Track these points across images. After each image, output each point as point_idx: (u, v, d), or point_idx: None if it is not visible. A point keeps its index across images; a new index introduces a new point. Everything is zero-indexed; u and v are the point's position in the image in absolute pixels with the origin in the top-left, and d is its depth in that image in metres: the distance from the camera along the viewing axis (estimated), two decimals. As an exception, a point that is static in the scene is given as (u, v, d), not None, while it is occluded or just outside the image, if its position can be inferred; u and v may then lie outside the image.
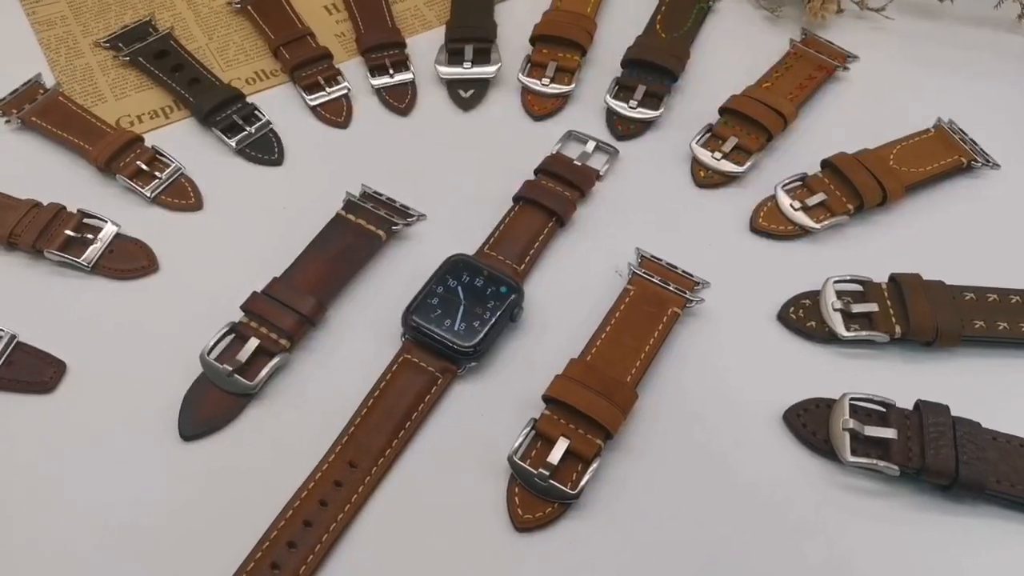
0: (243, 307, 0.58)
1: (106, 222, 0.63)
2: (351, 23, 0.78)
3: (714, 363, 0.59)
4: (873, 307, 0.60)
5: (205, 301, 0.60)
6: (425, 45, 0.77)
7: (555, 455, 0.53)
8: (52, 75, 0.74)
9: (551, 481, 0.52)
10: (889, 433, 0.54)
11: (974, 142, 0.69)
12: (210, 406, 0.56)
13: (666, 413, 0.57)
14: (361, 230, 0.63)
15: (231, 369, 0.56)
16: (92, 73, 0.74)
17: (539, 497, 0.52)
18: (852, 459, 0.53)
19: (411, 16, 0.80)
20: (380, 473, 0.53)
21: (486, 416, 0.57)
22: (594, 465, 0.53)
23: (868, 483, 0.54)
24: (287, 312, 0.58)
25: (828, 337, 0.60)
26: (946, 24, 0.81)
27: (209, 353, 0.57)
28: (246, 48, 0.77)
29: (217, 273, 0.62)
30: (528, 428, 0.54)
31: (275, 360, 0.56)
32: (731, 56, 0.77)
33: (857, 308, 0.60)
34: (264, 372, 0.56)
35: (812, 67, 0.74)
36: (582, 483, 0.52)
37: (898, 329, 0.59)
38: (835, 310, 0.60)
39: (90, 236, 0.62)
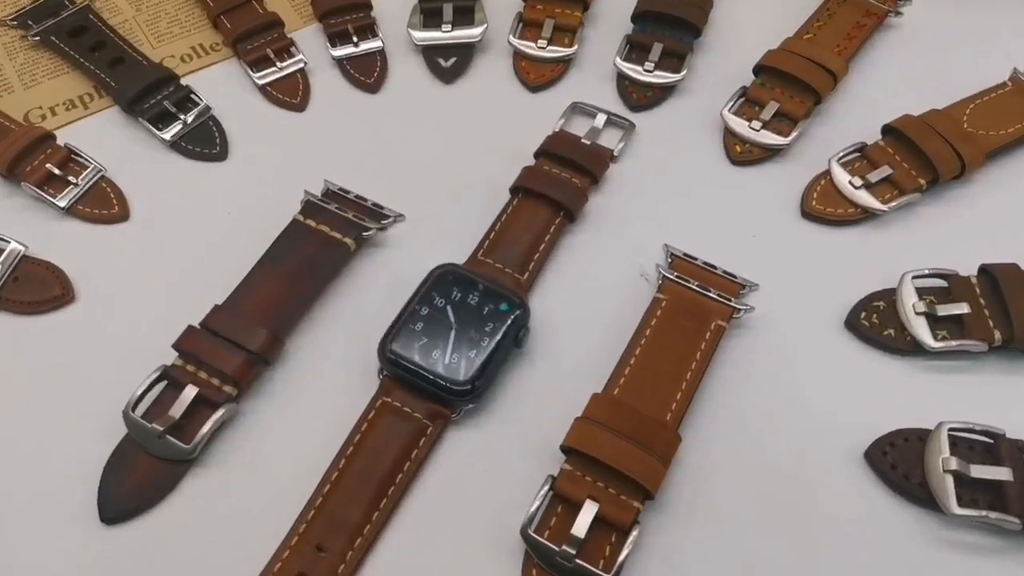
0: (176, 346, 0.46)
1: (8, 242, 0.50)
2: (305, -16, 0.65)
3: (771, 387, 0.47)
4: (963, 308, 0.47)
5: (133, 338, 0.48)
6: (396, 6, 0.63)
7: (581, 525, 0.41)
8: (-53, 62, 0.60)
9: (578, 561, 0.40)
10: (1002, 474, 0.42)
11: (1062, 95, 0.57)
12: (137, 477, 0.43)
13: (716, 456, 0.45)
14: (324, 239, 0.50)
15: (161, 429, 0.43)
16: (-4, 57, 0.61)
17: (563, 579, 0.40)
18: (960, 511, 0.41)
19: (377, -28, 0.66)
20: (357, 557, 0.41)
21: (490, 473, 0.44)
22: (633, 535, 0.40)
23: (978, 537, 0.42)
24: (231, 350, 0.45)
25: (911, 348, 0.47)
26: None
27: (134, 409, 0.44)
28: (181, 19, 0.63)
29: (148, 301, 0.49)
30: (545, 489, 0.42)
31: (219, 413, 0.44)
32: (762, 4, 0.64)
33: (944, 310, 0.47)
34: (205, 430, 0.43)
35: (859, 13, 0.61)
36: (619, 560, 0.40)
37: (997, 335, 0.46)
38: (917, 313, 0.47)
39: (-13, 257, 0.49)
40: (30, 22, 0.62)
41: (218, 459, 0.44)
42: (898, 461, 0.44)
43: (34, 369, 0.47)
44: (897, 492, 0.43)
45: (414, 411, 0.45)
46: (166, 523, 0.42)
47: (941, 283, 0.49)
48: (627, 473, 0.41)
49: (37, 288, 0.49)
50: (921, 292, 0.48)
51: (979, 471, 0.42)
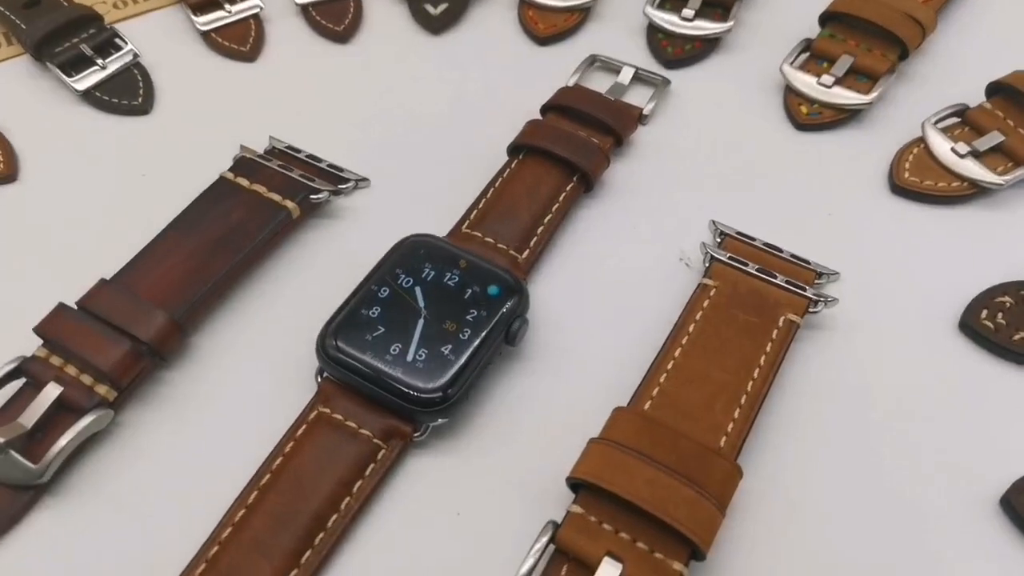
0: (39, 329, 0.33)
1: None
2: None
3: (862, 409, 0.33)
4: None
5: (-2, 322, 0.35)
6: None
7: (597, 598, 0.27)
8: None
9: (591, 652, 0.26)
10: None
11: None
12: (-38, 509, 0.30)
13: (788, 495, 0.31)
14: (258, 200, 0.37)
15: (2, 440, 0.30)
16: None
17: None
18: None
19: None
20: (261, 639, 0.27)
21: (466, 517, 0.31)
22: (671, 616, 0.27)
23: None
24: (112, 338, 0.32)
25: (1053, 356, 0.34)
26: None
27: (-29, 413, 0.31)
28: (119, -37, 0.52)
29: (23, 278, 0.37)
30: (543, 541, 0.28)
31: (84, 422, 0.31)
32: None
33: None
34: (62, 443, 0.30)
35: (947, -38, 0.49)
36: (650, 654, 0.26)
37: None
38: None
39: None
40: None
41: (82, 486, 0.31)
42: (1052, 512, 0.30)
43: None
44: (1056, 556, 0.30)
45: (361, 427, 0.31)
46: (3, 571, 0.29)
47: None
48: (666, 520, 0.27)
49: None
50: (1063, 285, 0.35)
51: None
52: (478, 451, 0.32)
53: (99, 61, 0.45)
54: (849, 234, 0.39)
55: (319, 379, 0.33)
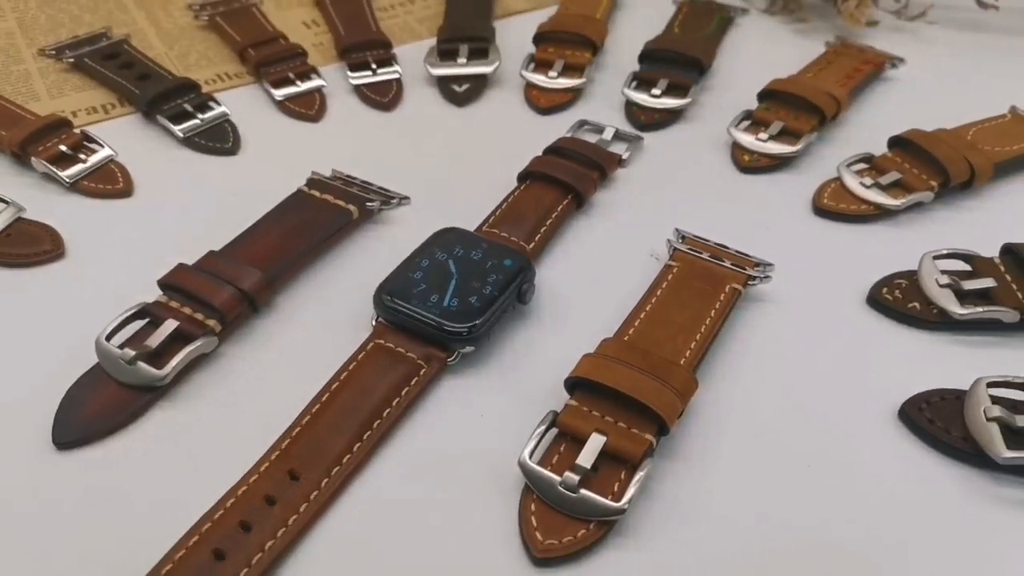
0: (161, 282, 0.42)
1: (8, 203, 0.48)
2: (331, 34, 0.66)
3: (794, 354, 0.42)
4: (989, 282, 0.43)
5: (119, 291, 0.43)
6: (415, 53, 0.64)
7: (587, 455, 0.35)
8: (-18, 79, 0.60)
9: (583, 491, 0.34)
10: (1054, 423, 0.36)
11: (1060, 130, 0.56)
12: (98, 404, 0.38)
13: (734, 413, 0.39)
14: (327, 205, 0.47)
15: (134, 354, 0.38)
16: (29, 77, 0.61)
17: (566, 515, 0.34)
18: (1009, 454, 0.35)
19: (399, 30, 0.68)
20: (334, 487, 0.35)
21: (488, 418, 0.39)
22: (643, 471, 0.35)
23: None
24: (221, 286, 0.41)
25: (937, 320, 0.43)
26: (992, 36, 0.69)
27: (108, 339, 0.39)
28: (209, 55, 0.64)
29: (138, 261, 0.46)
30: (546, 425, 0.36)
31: (197, 343, 0.39)
32: (758, 61, 0.64)
33: (970, 285, 0.43)
34: (179, 357, 0.39)
35: (857, 61, 0.62)
36: (628, 495, 0.34)
37: (1029, 306, 0.42)
38: (942, 286, 0.43)
39: (-19, 215, 0.47)
40: (68, 51, 0.62)
41: (191, 394, 0.39)
42: (936, 417, 0.38)
43: (12, 313, 0.43)
44: (936, 447, 0.38)
45: (407, 352, 0.40)
46: (127, 451, 0.37)
47: (963, 265, 0.45)
48: (640, 399, 0.36)
49: (27, 243, 0.46)
50: (942, 272, 0.45)
51: (1026, 421, 0.37)
52: (496, 374, 0.41)
53: (198, 116, 0.56)
54: (783, 241, 0.48)
55: (374, 322, 0.42)
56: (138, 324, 0.41)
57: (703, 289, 0.43)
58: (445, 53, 0.62)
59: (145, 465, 0.36)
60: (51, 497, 0.35)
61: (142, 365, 0.38)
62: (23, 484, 0.35)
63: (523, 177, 0.50)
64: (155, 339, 0.39)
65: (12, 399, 0.39)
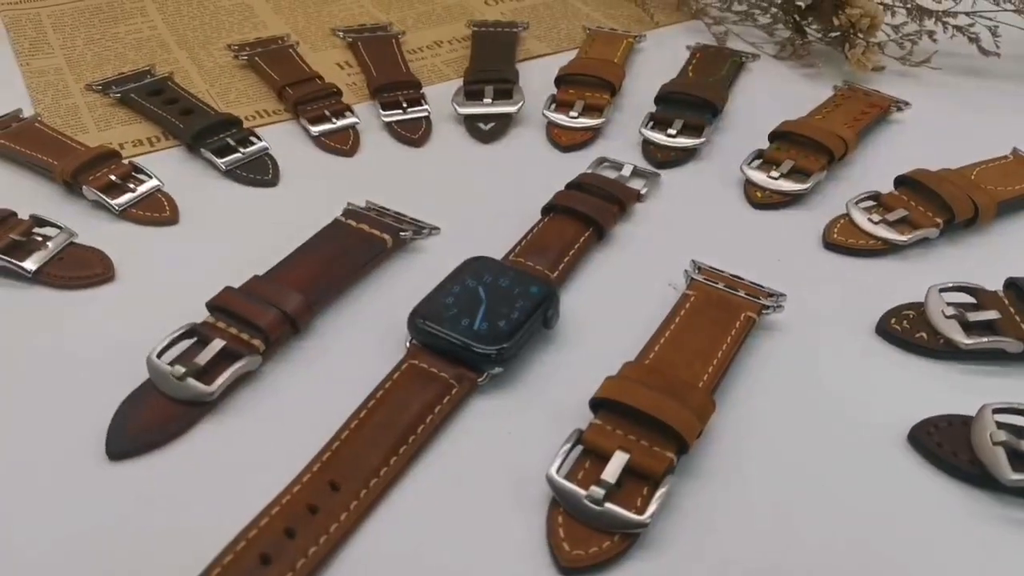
0: (210, 304, 0.44)
1: (60, 229, 0.50)
2: (364, 75, 0.69)
3: (807, 381, 0.44)
4: (994, 314, 0.45)
5: (166, 312, 0.45)
6: (443, 92, 0.67)
7: (611, 471, 0.37)
8: (34, 111, 0.63)
9: (608, 504, 0.35)
10: (1056, 447, 0.38)
11: (1061, 171, 0.57)
12: (151, 416, 0.40)
13: (752, 434, 0.41)
14: (363, 234, 0.50)
15: (184, 370, 0.40)
16: (78, 111, 0.64)
17: (592, 527, 0.35)
18: (1014, 476, 0.37)
19: (428, 71, 0.71)
20: (372, 498, 0.37)
21: (515, 435, 0.41)
22: (664, 487, 0.36)
23: (1035, 516, 0.37)
24: (266, 308, 0.43)
25: (944, 350, 0.45)
26: (995, 81, 0.71)
27: (159, 356, 0.41)
28: (248, 93, 0.67)
29: (185, 284, 0.47)
30: (572, 442, 0.38)
31: (242, 362, 0.41)
32: (769, 103, 0.66)
33: (975, 316, 0.45)
34: (227, 374, 0.41)
35: (864, 104, 0.64)
36: (651, 508, 0.35)
37: (1032, 337, 0.44)
38: (947, 317, 0.45)
39: (39, 239, 0.49)
40: (114, 87, 0.65)
41: (236, 409, 0.41)
42: (944, 441, 0.40)
43: (65, 332, 0.45)
44: (945, 470, 0.39)
45: (441, 371, 0.42)
46: (179, 461, 0.39)
47: (967, 298, 0.47)
48: (661, 419, 0.37)
49: (79, 266, 0.48)
50: (948, 304, 0.46)
51: (1031, 445, 0.38)
52: (523, 394, 0.42)
53: (240, 150, 0.58)
54: (794, 273, 0.50)
55: (408, 344, 0.43)
56: (186, 343, 0.43)
57: (719, 317, 0.45)
58: (471, 93, 0.65)
59: (193, 476, 0.38)
60: (104, 506, 0.37)
61: (192, 381, 0.40)
62: (78, 493, 0.37)
63: (547, 210, 0.53)
64: (203, 357, 0.41)
65: (66, 412, 0.41)
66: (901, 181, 0.55)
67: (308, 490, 0.36)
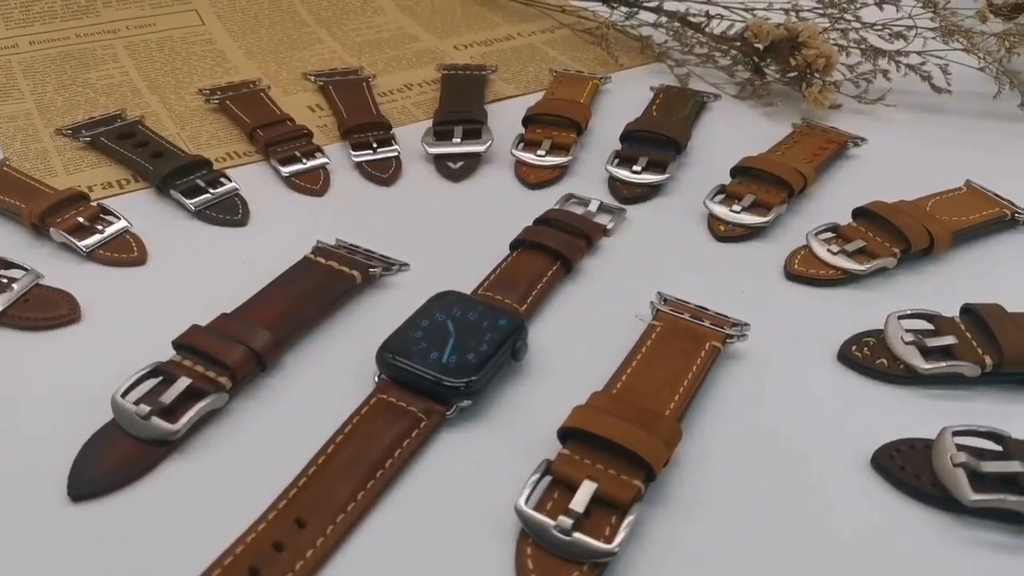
0: (176, 342, 0.43)
1: (26, 270, 0.49)
2: (335, 117, 0.69)
3: (771, 407, 0.44)
4: (951, 339, 0.46)
5: (133, 352, 0.44)
6: (413, 132, 0.67)
7: (579, 501, 0.36)
8: (2, 156, 0.63)
9: (576, 534, 0.35)
10: (1014, 467, 0.38)
11: (1011, 201, 0.59)
12: (114, 457, 0.39)
13: (718, 460, 0.41)
14: (332, 271, 0.49)
15: (149, 409, 0.40)
16: (47, 155, 0.63)
17: (561, 558, 0.35)
18: (977, 496, 0.37)
19: (398, 113, 0.71)
20: (339, 534, 0.36)
21: (484, 467, 0.40)
22: (632, 515, 0.36)
23: (994, 535, 0.37)
24: (233, 345, 0.43)
25: (904, 375, 0.45)
26: (947, 117, 0.73)
27: (124, 395, 0.41)
28: (219, 136, 0.67)
29: (152, 325, 0.47)
30: (540, 473, 0.38)
31: (208, 399, 0.40)
32: (730, 141, 0.67)
33: (933, 342, 0.46)
34: (192, 412, 0.40)
35: (822, 140, 0.65)
36: (619, 536, 0.35)
37: (988, 360, 0.44)
38: (907, 343, 0.46)
39: (4, 280, 0.48)
40: (84, 131, 0.65)
41: (202, 448, 0.40)
42: (906, 464, 0.40)
43: (30, 373, 0.44)
44: (908, 493, 0.39)
45: (409, 406, 0.41)
46: (138, 504, 0.38)
47: (925, 324, 0.47)
48: (629, 447, 0.37)
49: (45, 307, 0.48)
50: (907, 331, 0.47)
51: (990, 466, 0.38)
52: (492, 426, 0.42)
53: (210, 191, 0.58)
54: (757, 304, 0.50)
55: (376, 379, 0.43)
56: (151, 382, 0.42)
57: (685, 347, 0.45)
58: (441, 133, 0.65)
59: (158, 516, 0.37)
60: (66, 548, 0.36)
61: (156, 420, 0.39)
62: (40, 536, 0.36)
63: (515, 245, 0.53)
64: (168, 395, 0.40)
65: (29, 454, 0.40)
66: (859, 213, 0.56)
67: (273, 527, 0.36)
